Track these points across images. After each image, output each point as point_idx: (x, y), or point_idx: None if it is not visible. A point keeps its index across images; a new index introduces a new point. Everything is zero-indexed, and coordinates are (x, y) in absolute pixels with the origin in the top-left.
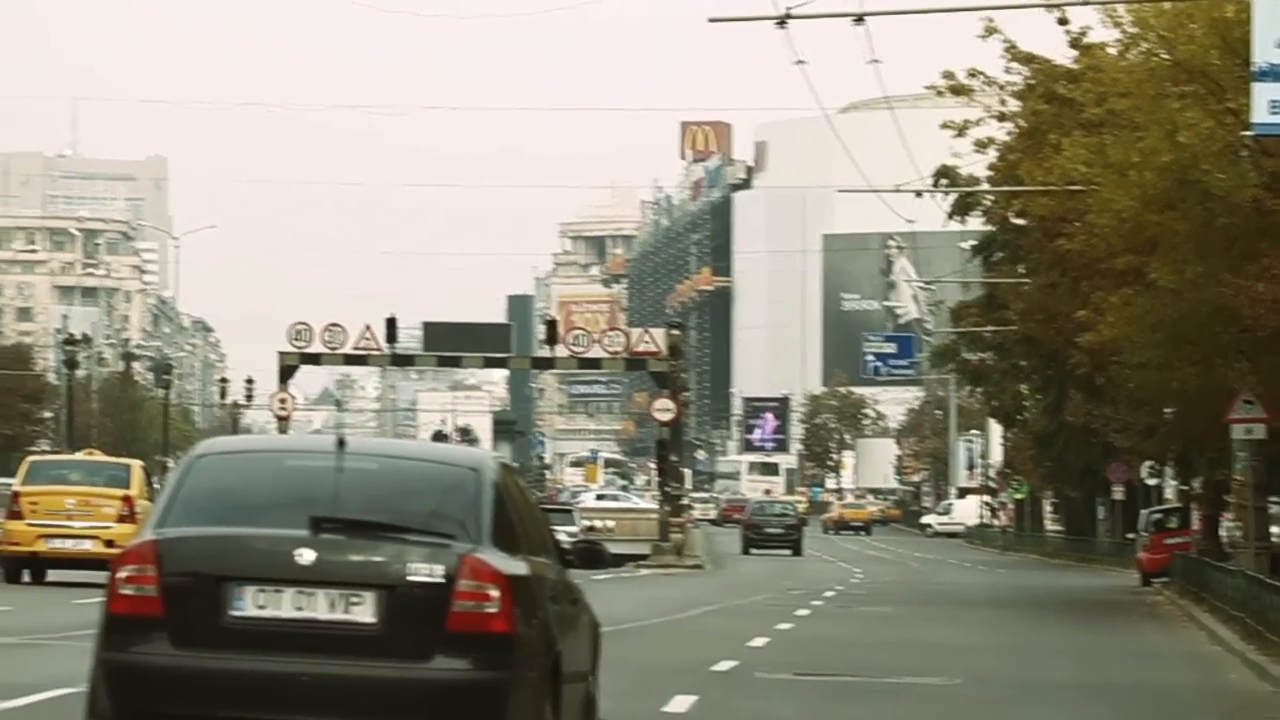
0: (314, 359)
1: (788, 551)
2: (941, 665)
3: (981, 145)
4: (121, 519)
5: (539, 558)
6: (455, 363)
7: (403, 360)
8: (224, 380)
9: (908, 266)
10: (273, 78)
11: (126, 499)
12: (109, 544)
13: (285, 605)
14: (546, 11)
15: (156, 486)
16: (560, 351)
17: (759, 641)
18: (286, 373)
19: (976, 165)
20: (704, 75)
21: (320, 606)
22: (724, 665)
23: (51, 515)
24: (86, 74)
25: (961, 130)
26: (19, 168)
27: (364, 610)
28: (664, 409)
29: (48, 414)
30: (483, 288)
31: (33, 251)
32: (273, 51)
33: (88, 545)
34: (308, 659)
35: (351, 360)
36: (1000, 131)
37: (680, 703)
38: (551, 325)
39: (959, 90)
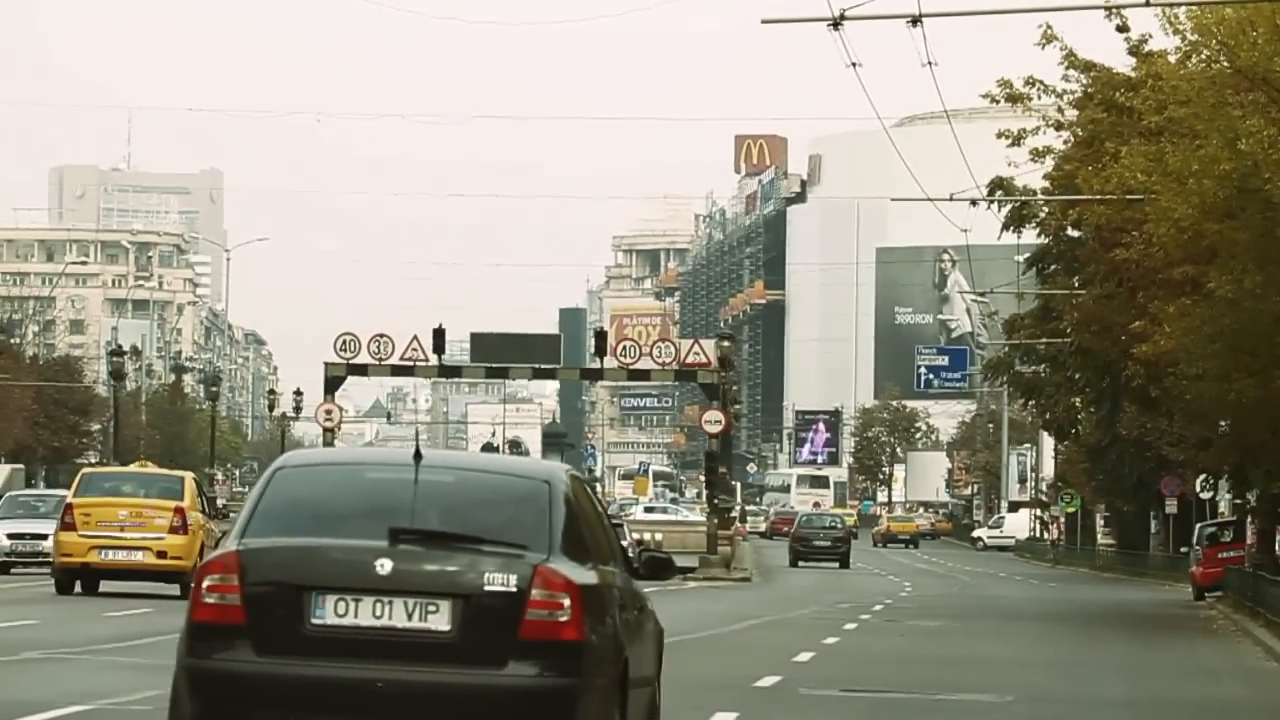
0: (360, 370)
1: (835, 564)
2: (992, 681)
3: (1038, 154)
4: (173, 530)
5: (607, 567)
6: (503, 374)
7: (450, 371)
8: (272, 392)
9: (961, 280)
10: (323, 90)
11: (178, 510)
12: (160, 555)
13: (364, 614)
14: (589, 20)
15: (216, 497)
16: (610, 363)
17: (804, 656)
18: (333, 384)
19: (1032, 176)
20: (758, 87)
21: (398, 615)
22: (768, 681)
23: (104, 526)
24: (141, 87)
25: (1017, 139)
26: (74, 181)
27: (440, 618)
28: (713, 421)
29: (96, 426)
30: (535, 301)
31: (83, 263)
32: (322, 67)
33: (139, 556)
34: (386, 666)
35: (399, 371)
36: (1057, 141)
37: None
38: (600, 336)
39: (1015, 98)
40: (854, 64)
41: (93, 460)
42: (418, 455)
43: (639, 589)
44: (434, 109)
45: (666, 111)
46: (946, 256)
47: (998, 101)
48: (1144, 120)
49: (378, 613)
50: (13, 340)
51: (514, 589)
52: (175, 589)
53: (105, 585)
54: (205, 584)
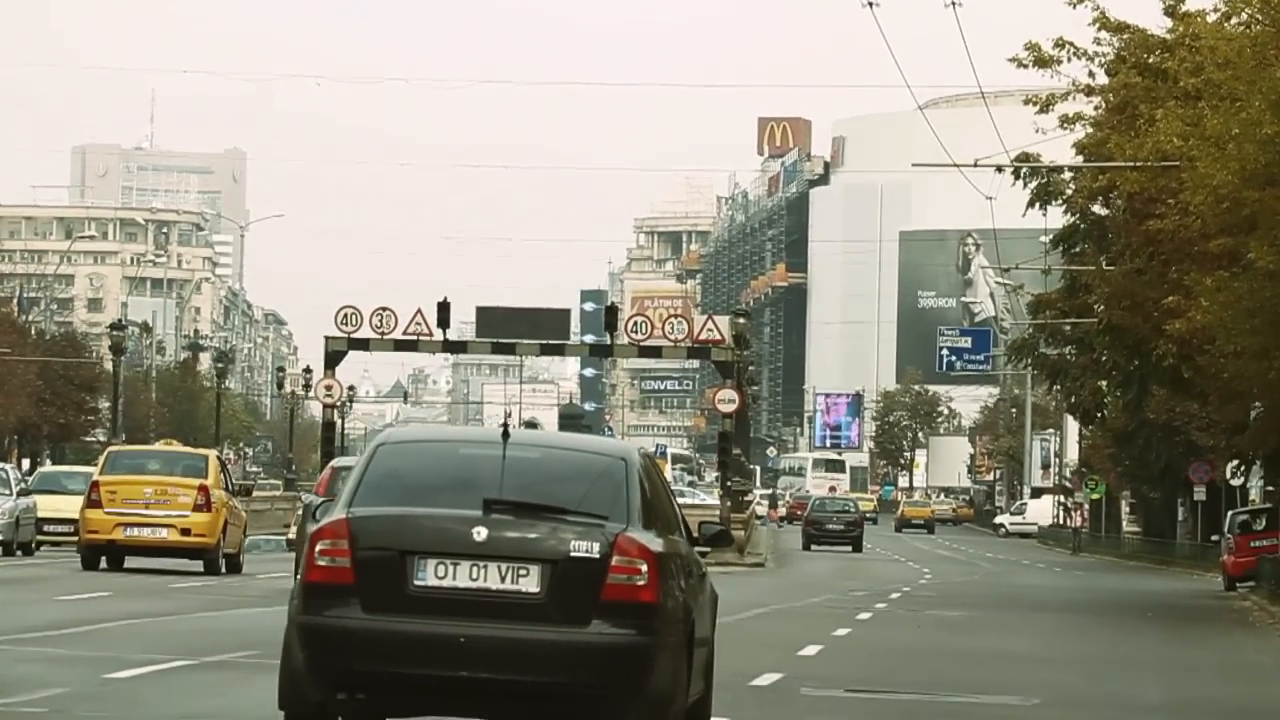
0: (362, 344)
1: (848, 548)
2: (1016, 681)
3: (1067, 121)
4: (197, 508)
5: (674, 536)
6: (510, 349)
7: (455, 346)
8: (281, 369)
9: (985, 264)
10: (329, 56)
11: (203, 488)
12: (185, 532)
13: (462, 576)
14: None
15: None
16: (621, 340)
17: (811, 650)
18: (333, 358)
19: (1060, 145)
20: (782, 69)
21: (492, 577)
22: (767, 679)
23: (129, 504)
24: (164, 66)
25: (1046, 105)
26: (96, 160)
27: (530, 581)
28: (727, 400)
29: (104, 404)
30: (556, 283)
31: (91, 238)
32: (331, 32)
33: (164, 533)
34: (481, 623)
35: (402, 346)
36: (1088, 107)
37: None
38: (612, 311)
39: (1044, 62)
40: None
41: (100, 438)
42: (505, 434)
43: (698, 557)
44: (450, 82)
45: (689, 93)
46: (970, 240)
47: (1026, 66)
48: (1180, 84)
49: (474, 575)
50: (21, 317)
51: (597, 555)
52: (199, 565)
53: (130, 561)
54: (318, 548)
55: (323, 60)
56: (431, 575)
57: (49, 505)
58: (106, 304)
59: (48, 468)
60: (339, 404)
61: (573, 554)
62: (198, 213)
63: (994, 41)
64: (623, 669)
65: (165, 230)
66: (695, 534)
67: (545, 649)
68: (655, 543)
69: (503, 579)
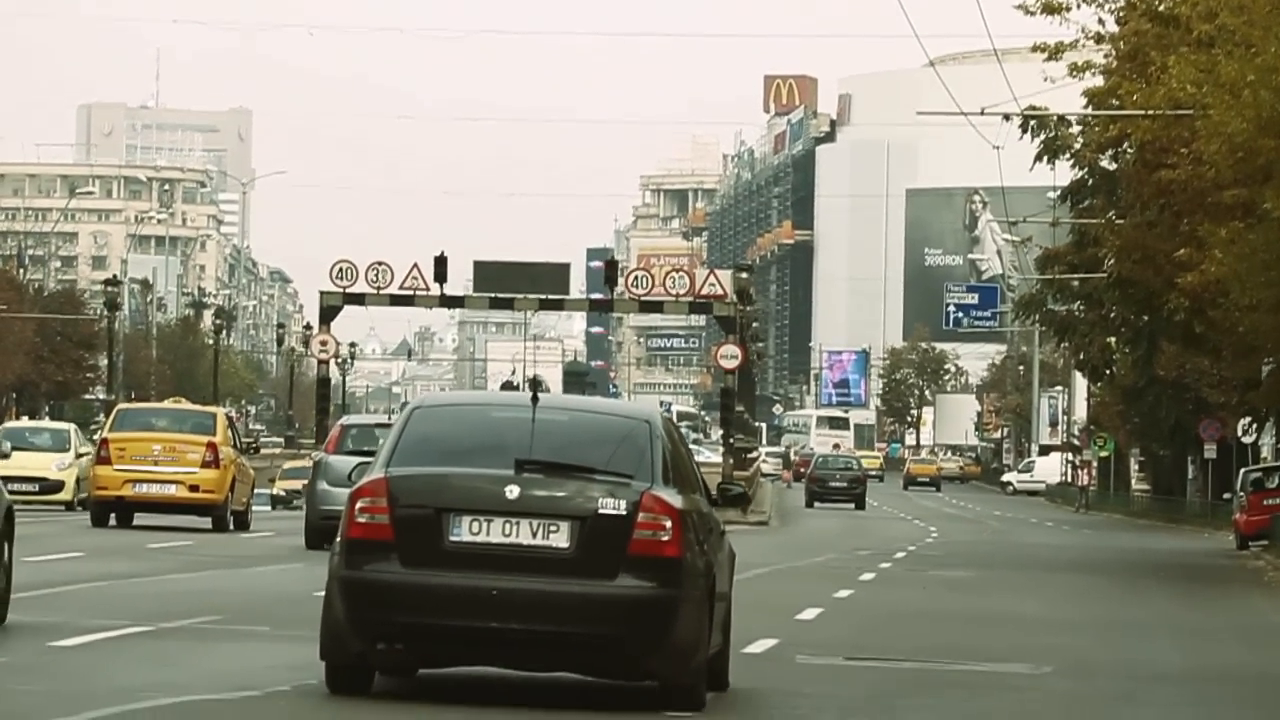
0: (357, 299)
1: (851, 505)
2: (1025, 647)
3: (1077, 69)
4: (205, 465)
5: (695, 495)
6: (509, 304)
7: (453, 301)
8: (281, 326)
9: (992, 221)
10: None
11: (210, 445)
12: (193, 489)
13: (495, 532)
14: None
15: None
16: (623, 295)
17: (810, 613)
18: (328, 313)
19: (1069, 96)
20: (789, 26)
21: (524, 533)
22: (760, 646)
23: (138, 461)
24: (170, 23)
25: (1055, 53)
26: (102, 118)
27: (560, 537)
28: (729, 355)
29: (104, 361)
30: (563, 241)
31: (90, 194)
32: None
33: (172, 490)
34: (513, 577)
35: (397, 301)
36: (1098, 55)
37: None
38: (612, 265)
39: (1052, 8)
40: None
41: (99, 396)
42: (535, 398)
43: (717, 515)
44: (449, 30)
45: (695, 50)
46: (977, 197)
47: (1033, 14)
48: (1193, 30)
49: (507, 531)
50: (20, 271)
51: (624, 512)
52: (207, 522)
53: (140, 518)
54: (358, 506)
55: (319, 9)
56: (466, 531)
57: (13, 463)
58: (111, 262)
59: (13, 423)
60: (336, 360)
61: (600, 511)
62: (202, 170)
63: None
64: (648, 620)
65: (168, 188)
66: (714, 494)
67: (574, 601)
68: (678, 500)
69: (534, 535)
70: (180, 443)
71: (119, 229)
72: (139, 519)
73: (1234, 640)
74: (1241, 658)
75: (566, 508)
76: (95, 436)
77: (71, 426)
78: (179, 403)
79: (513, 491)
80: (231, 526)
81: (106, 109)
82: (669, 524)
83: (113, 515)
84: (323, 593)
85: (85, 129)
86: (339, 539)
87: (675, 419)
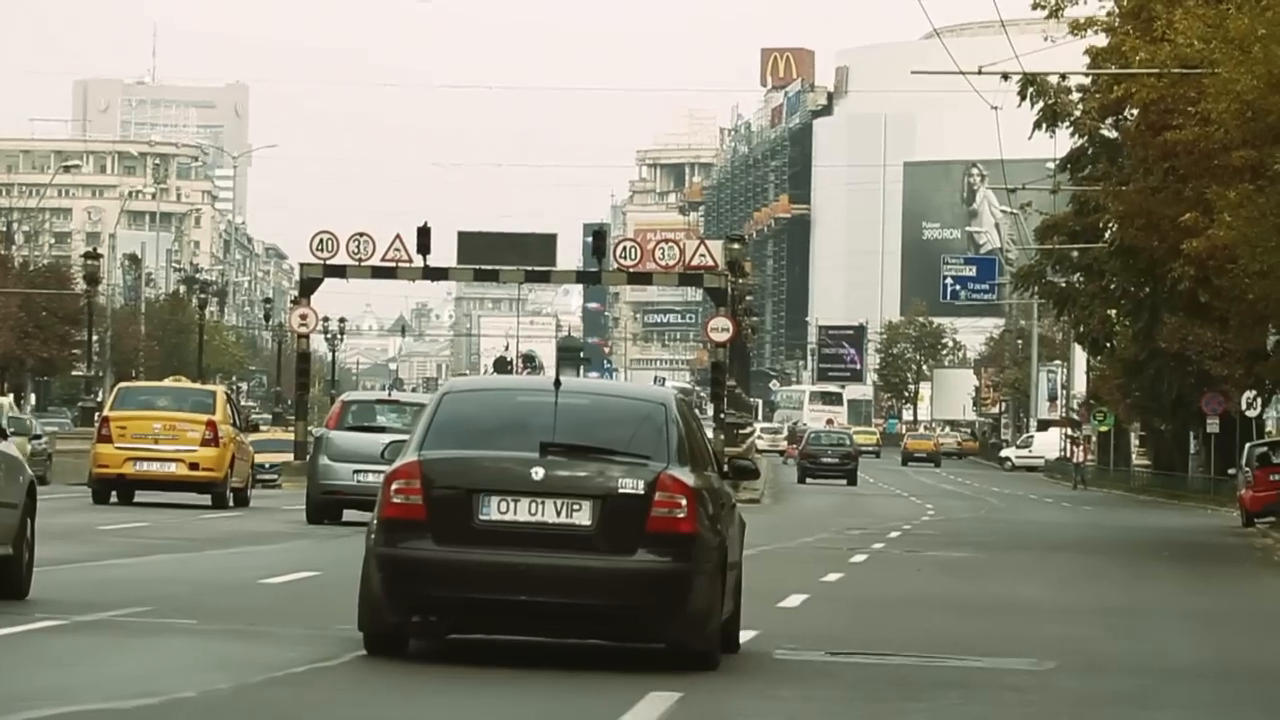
0: (338, 271)
1: (843, 481)
2: (1026, 638)
3: (1078, 27)
4: (205, 443)
5: (708, 472)
6: (494, 276)
7: (436, 273)
8: (268, 301)
9: (990, 195)
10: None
11: (210, 424)
12: (193, 466)
13: (522, 511)
14: None
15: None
16: (611, 266)
17: (794, 600)
18: (308, 286)
19: (1070, 56)
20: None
21: (549, 512)
22: (739, 637)
23: (138, 439)
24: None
25: (1055, 10)
26: (98, 94)
27: (582, 515)
28: (720, 328)
29: (95, 337)
30: (560, 216)
31: (76, 167)
32: None
33: (172, 468)
34: (539, 553)
35: (379, 273)
36: (1100, 11)
37: (650, 708)
38: (600, 235)
39: None
40: None
41: (84, 373)
42: (557, 383)
43: (728, 489)
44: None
45: (692, 26)
46: (975, 171)
47: None
48: None
49: (532, 510)
50: (8, 246)
51: (642, 491)
52: (207, 499)
53: (140, 495)
54: (393, 487)
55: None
56: (495, 510)
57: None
58: (105, 238)
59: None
60: (325, 335)
61: (620, 490)
62: (196, 146)
63: None
64: (665, 592)
65: (160, 164)
66: (725, 467)
67: (596, 575)
68: (692, 479)
69: (558, 513)
70: (180, 421)
71: (113, 205)
72: (139, 496)
73: (1251, 627)
74: (1262, 649)
75: (588, 487)
76: (72, 413)
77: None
78: (179, 381)
79: (538, 473)
80: (231, 504)
81: (103, 84)
82: (684, 502)
83: (114, 493)
84: (270, 579)
85: (82, 105)
86: (375, 518)
87: None
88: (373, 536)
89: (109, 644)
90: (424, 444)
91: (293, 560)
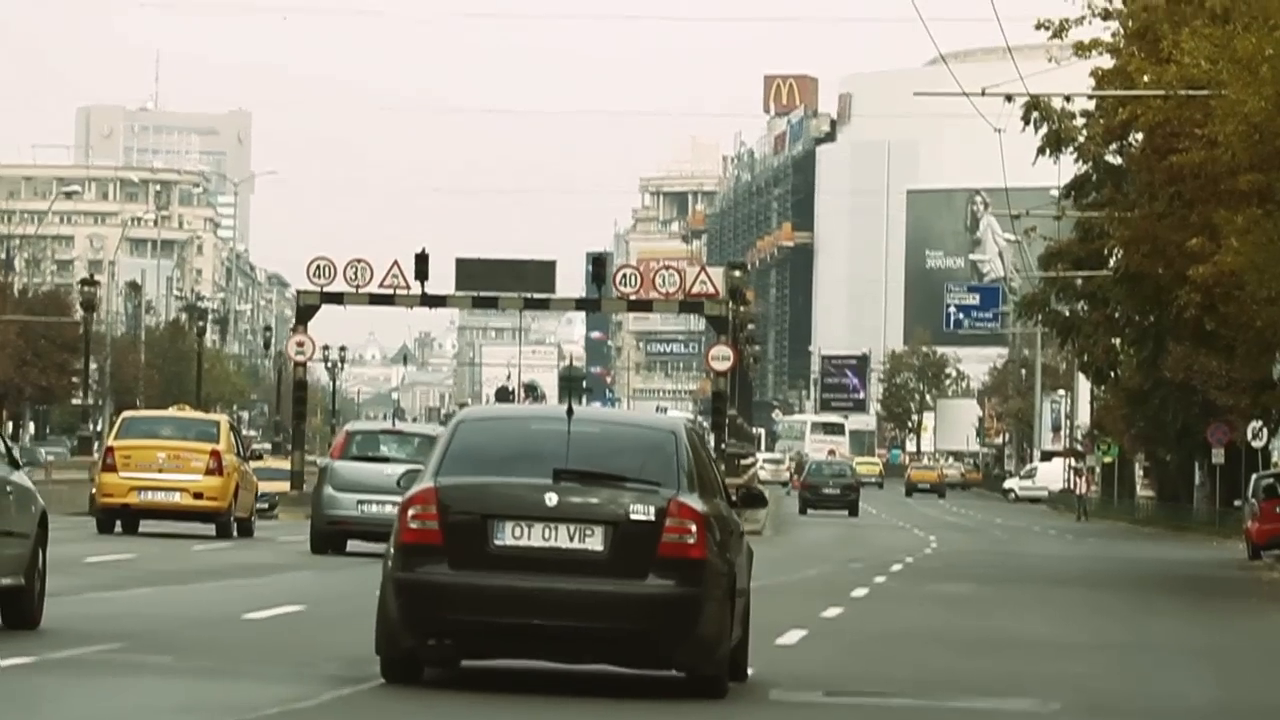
0: (336, 298)
1: (844, 512)
2: (1029, 676)
3: (1083, 49)
4: (209, 472)
5: (717, 499)
6: (492, 303)
7: (434, 300)
8: (268, 329)
9: (994, 222)
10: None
11: (214, 453)
12: (197, 496)
13: (536, 536)
14: None
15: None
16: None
17: (792, 637)
18: (305, 313)
19: (1075, 78)
20: (789, 26)
21: (562, 537)
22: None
23: (143, 468)
24: (169, 25)
25: (1060, 30)
26: (101, 120)
27: (595, 540)
28: (720, 357)
29: (93, 365)
30: (563, 244)
31: (76, 194)
32: None
33: (176, 497)
34: (552, 577)
35: (377, 300)
36: (1105, 33)
37: None
38: (599, 262)
39: None
40: None
41: (89, 401)
42: (570, 411)
43: (735, 517)
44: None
45: (695, 53)
46: (979, 199)
47: None
48: (1206, 3)
49: (546, 536)
50: (5, 273)
51: (653, 517)
52: (211, 529)
53: (145, 525)
54: (410, 513)
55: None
56: (509, 536)
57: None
58: (105, 265)
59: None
60: (325, 364)
61: (632, 516)
62: (198, 172)
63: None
64: (675, 616)
65: (161, 190)
66: (733, 497)
67: (608, 599)
68: (702, 505)
69: (571, 538)
70: (184, 450)
71: (115, 232)
72: (144, 526)
73: (1259, 665)
74: (1271, 687)
75: (601, 513)
76: (72, 442)
77: None
78: (183, 410)
79: (551, 499)
80: (235, 534)
81: (106, 111)
82: (694, 528)
83: (118, 522)
84: (254, 614)
85: (84, 131)
86: (392, 543)
87: None
88: (390, 561)
89: (74, 684)
90: (440, 470)
91: (280, 593)
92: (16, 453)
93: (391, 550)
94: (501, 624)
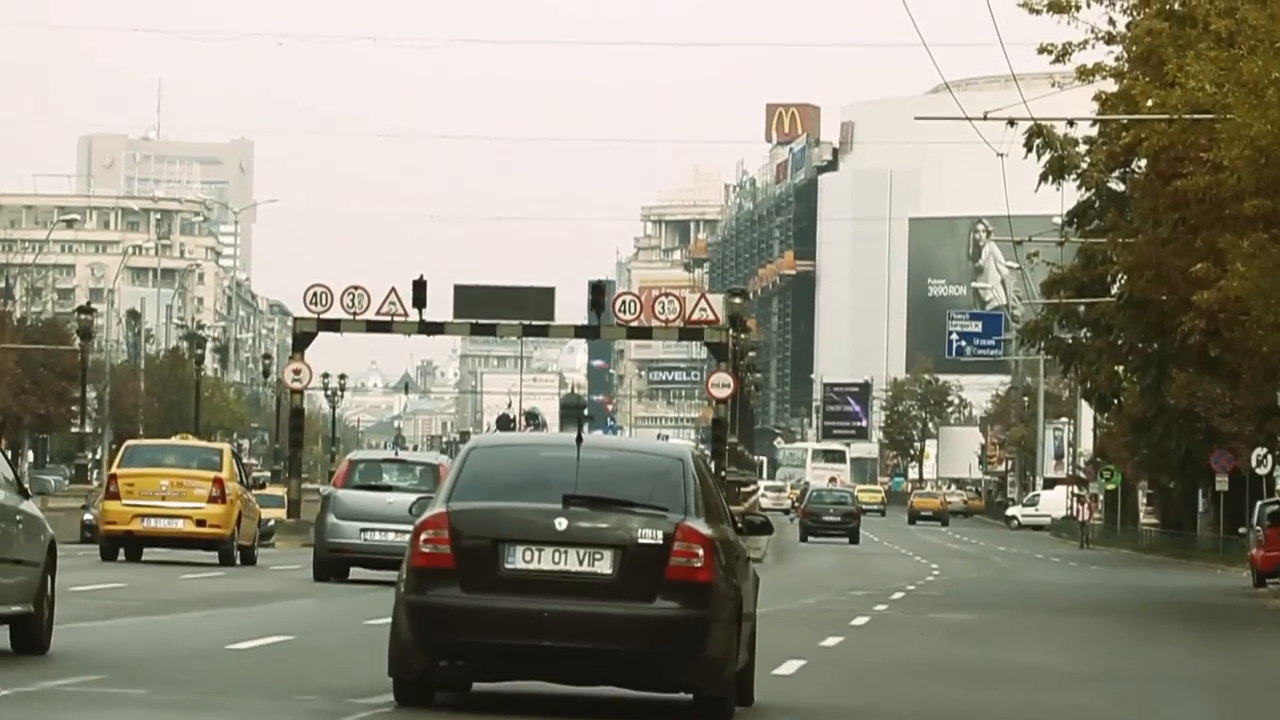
0: (333, 325)
1: (845, 539)
2: (1032, 708)
3: (1086, 73)
4: (212, 500)
5: (723, 525)
6: (490, 330)
7: (431, 327)
8: (268, 357)
9: (996, 251)
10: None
11: (217, 481)
12: (200, 523)
13: (546, 560)
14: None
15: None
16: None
17: (790, 667)
18: (302, 341)
19: (1078, 103)
20: (791, 55)
21: (572, 561)
22: None
23: (146, 496)
24: (171, 55)
25: (1062, 54)
26: (103, 150)
27: (604, 564)
28: (721, 384)
29: (90, 393)
30: (565, 273)
31: (73, 221)
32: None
33: (180, 525)
34: (562, 600)
35: (374, 327)
36: (1108, 57)
37: None
38: (599, 289)
39: (1060, 7)
40: None
41: (88, 429)
42: (579, 438)
43: (742, 542)
44: (429, 42)
45: (696, 81)
46: (981, 227)
47: (1039, 12)
48: (1210, 27)
49: (556, 559)
50: (4, 301)
51: (661, 541)
52: (214, 556)
53: (148, 553)
54: (422, 537)
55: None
56: (520, 560)
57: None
58: (107, 294)
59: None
60: (325, 392)
61: (640, 540)
62: (199, 201)
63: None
64: (683, 639)
65: (162, 219)
66: (739, 523)
67: (617, 621)
68: (709, 530)
69: (580, 562)
70: (187, 478)
71: (116, 261)
72: (147, 554)
73: (1265, 695)
74: (1277, 718)
75: (609, 538)
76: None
77: None
78: (186, 439)
79: (561, 524)
80: (238, 561)
81: (107, 140)
82: (701, 552)
83: (122, 550)
84: (239, 644)
85: (86, 160)
86: (404, 567)
87: None
88: (402, 585)
89: (49, 718)
90: (452, 496)
91: (268, 623)
92: (26, 482)
93: (404, 574)
94: (512, 646)
